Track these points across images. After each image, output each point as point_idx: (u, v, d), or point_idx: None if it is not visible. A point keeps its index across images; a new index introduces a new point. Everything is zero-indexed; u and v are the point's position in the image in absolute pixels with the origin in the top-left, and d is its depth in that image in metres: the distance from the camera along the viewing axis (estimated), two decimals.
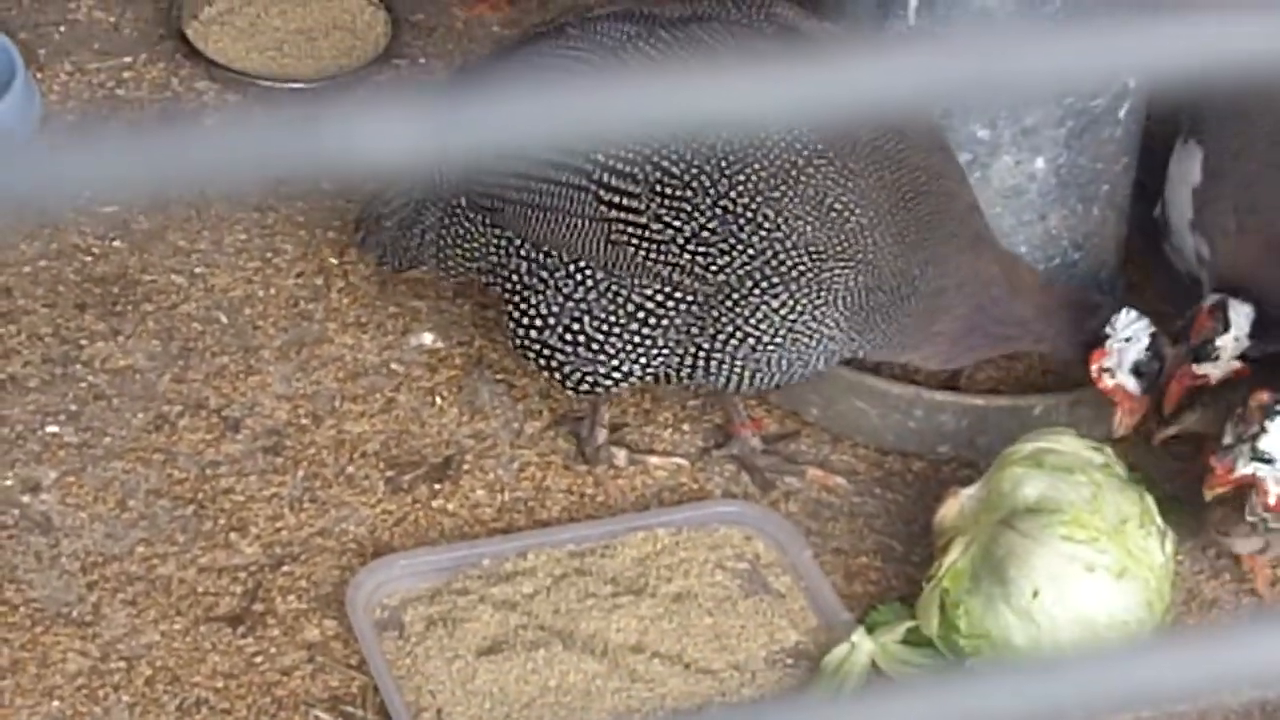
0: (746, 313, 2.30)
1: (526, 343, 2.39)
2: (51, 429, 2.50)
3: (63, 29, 2.98)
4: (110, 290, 2.67)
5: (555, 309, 2.37)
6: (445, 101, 0.87)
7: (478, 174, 2.39)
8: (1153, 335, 2.37)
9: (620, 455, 2.50)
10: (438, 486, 2.48)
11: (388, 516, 2.44)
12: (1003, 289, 2.37)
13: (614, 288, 2.34)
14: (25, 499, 2.42)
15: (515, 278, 2.39)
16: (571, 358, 2.37)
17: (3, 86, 2.85)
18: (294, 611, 2.33)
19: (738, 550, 2.41)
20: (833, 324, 2.32)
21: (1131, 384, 2.37)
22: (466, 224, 2.42)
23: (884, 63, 0.88)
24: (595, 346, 2.36)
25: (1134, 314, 2.36)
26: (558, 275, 2.36)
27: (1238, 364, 2.37)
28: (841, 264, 2.29)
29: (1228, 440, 2.31)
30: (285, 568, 2.37)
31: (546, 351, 2.39)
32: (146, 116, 2.91)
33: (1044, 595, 2.22)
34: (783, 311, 2.30)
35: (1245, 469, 2.28)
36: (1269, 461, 2.28)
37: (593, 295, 2.35)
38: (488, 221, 2.40)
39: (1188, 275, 2.52)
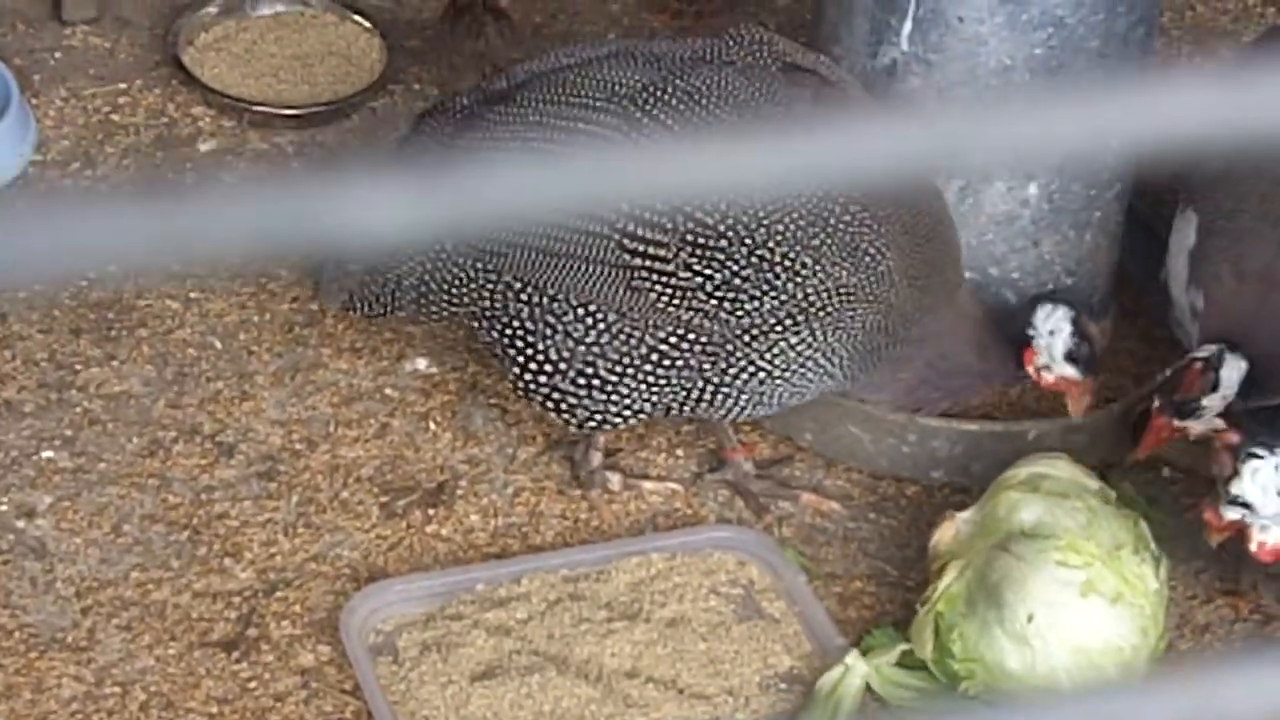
0: (763, 349, 2.32)
1: (534, 387, 2.38)
2: (47, 454, 2.50)
3: (58, 54, 2.99)
4: (105, 316, 2.67)
5: (565, 354, 2.35)
6: (458, 178, 0.88)
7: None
8: (1073, 320, 2.39)
9: (615, 479, 2.51)
10: (432, 512, 2.48)
11: (382, 542, 2.44)
12: (968, 347, 2.41)
13: (626, 330, 2.33)
14: (20, 524, 2.43)
15: (516, 323, 2.36)
16: (584, 400, 2.37)
17: None
18: (288, 637, 2.33)
19: (732, 575, 2.42)
20: (838, 361, 2.34)
21: (1070, 371, 2.40)
22: (454, 269, 2.37)
23: (883, 130, 0.89)
24: (608, 389, 2.36)
25: (1049, 306, 2.39)
26: (566, 320, 2.34)
27: (1219, 422, 2.35)
28: (865, 305, 2.32)
29: (1216, 471, 2.31)
30: (279, 593, 2.37)
31: (556, 395, 2.37)
32: (142, 143, 2.92)
33: (1039, 620, 2.22)
34: (799, 348, 2.32)
35: (1231, 514, 2.27)
36: (1246, 506, 2.26)
37: (605, 339, 2.34)
38: (480, 266, 2.37)
39: (1190, 341, 2.51)
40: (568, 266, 2.33)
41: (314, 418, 2.57)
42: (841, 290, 2.30)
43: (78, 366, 2.61)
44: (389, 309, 2.45)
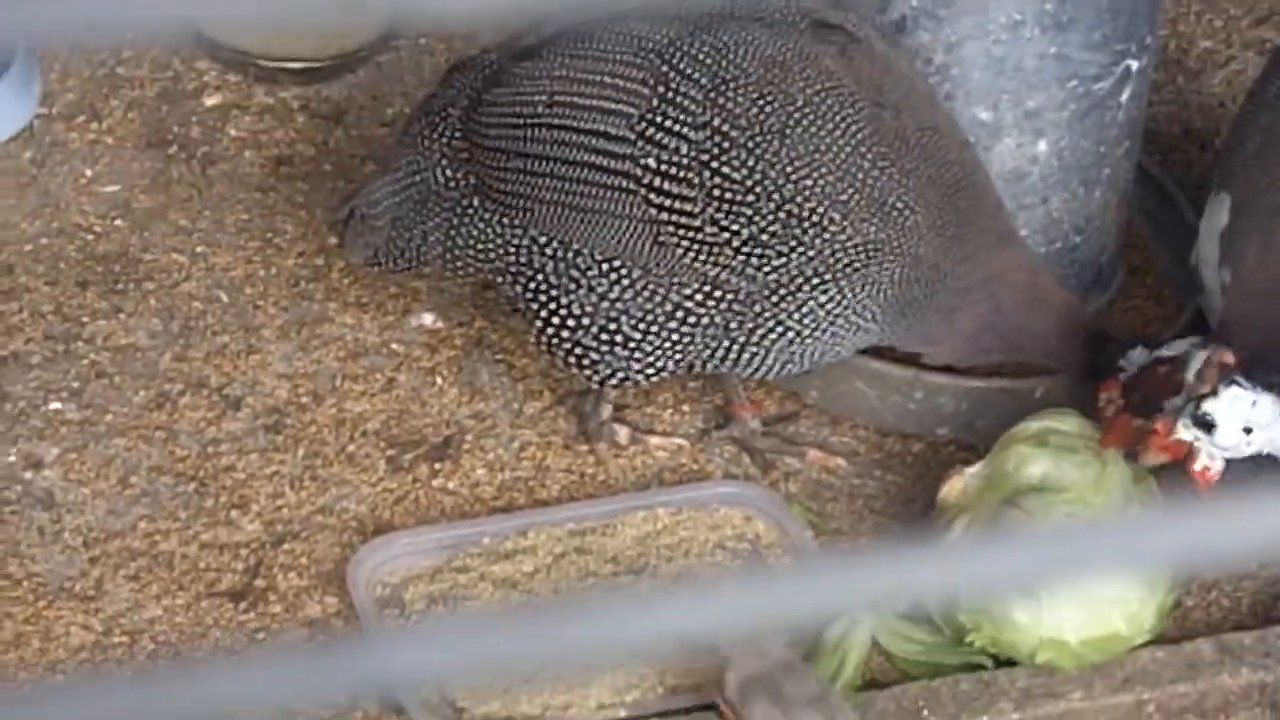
0: (791, 308, 2.31)
1: (557, 342, 2.37)
2: (54, 405, 2.50)
3: None
4: (112, 268, 2.67)
5: (589, 309, 2.35)
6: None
7: (502, 174, 2.36)
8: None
9: (622, 433, 2.51)
10: (438, 465, 2.48)
11: (388, 495, 2.44)
12: (1024, 296, 2.37)
13: (651, 286, 2.33)
14: (28, 475, 2.43)
15: (541, 278, 2.36)
16: (607, 356, 2.37)
17: (2, 66, 2.85)
18: (295, 588, 2.33)
19: (738, 531, 2.42)
20: (870, 316, 2.33)
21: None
22: (482, 224, 2.38)
23: None
24: (632, 345, 2.35)
25: (1146, 351, 2.32)
26: (590, 274, 2.34)
27: (1185, 434, 2.25)
28: (893, 259, 2.30)
29: (1178, 401, 2.26)
30: (286, 545, 2.38)
31: (579, 350, 2.37)
32: (147, 96, 2.92)
33: None
34: (828, 305, 2.31)
35: (1184, 433, 2.23)
36: (1208, 427, 2.22)
37: (629, 294, 2.34)
38: (506, 221, 2.37)
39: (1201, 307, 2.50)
40: (594, 222, 2.32)
41: (320, 371, 2.57)
42: (869, 245, 2.29)
43: (85, 319, 2.61)
44: (414, 264, 2.45)
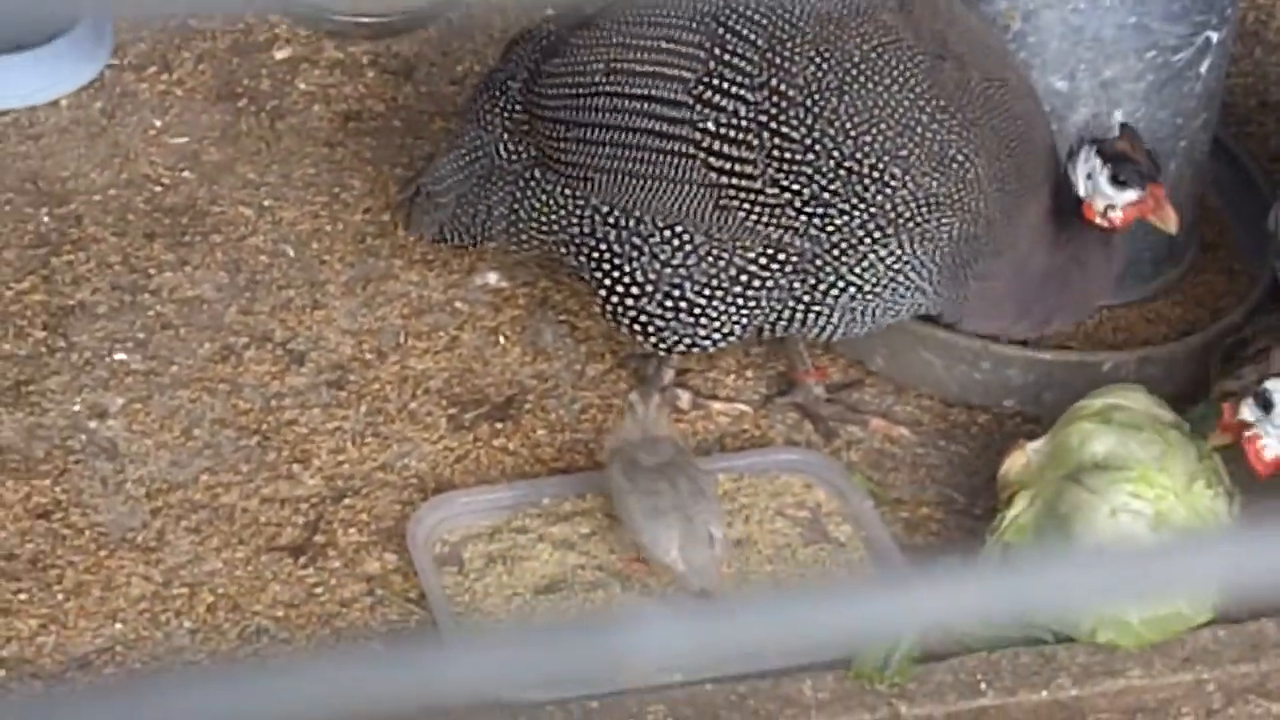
0: (852, 262, 2.29)
1: (621, 310, 2.37)
2: (119, 356, 2.51)
3: None
4: (179, 221, 2.68)
5: (652, 276, 2.34)
6: None
7: (562, 144, 2.35)
8: (1098, 150, 2.29)
9: (684, 397, 2.50)
10: (499, 425, 2.48)
11: (449, 453, 2.44)
12: (1035, 241, 2.32)
13: (714, 251, 2.32)
14: (92, 425, 2.44)
15: (604, 246, 2.36)
16: (672, 323, 2.36)
17: (74, 19, 2.85)
18: (355, 544, 2.34)
19: (798, 498, 2.41)
20: (928, 274, 2.31)
21: (1131, 194, 2.28)
22: (544, 195, 2.38)
23: None
24: (696, 311, 2.35)
25: (1073, 157, 2.29)
26: (652, 241, 2.33)
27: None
28: (954, 215, 2.28)
29: (1244, 380, 2.24)
30: (347, 500, 2.38)
31: (643, 318, 2.37)
32: (218, 49, 2.92)
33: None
34: (889, 260, 2.29)
35: (1246, 413, 2.19)
36: (1266, 408, 2.19)
37: (692, 260, 2.33)
38: (569, 192, 2.37)
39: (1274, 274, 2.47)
40: (655, 188, 2.31)
41: (384, 328, 2.57)
42: (931, 200, 2.27)
43: (151, 271, 2.61)
44: (479, 239, 2.46)
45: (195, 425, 2.45)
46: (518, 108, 2.40)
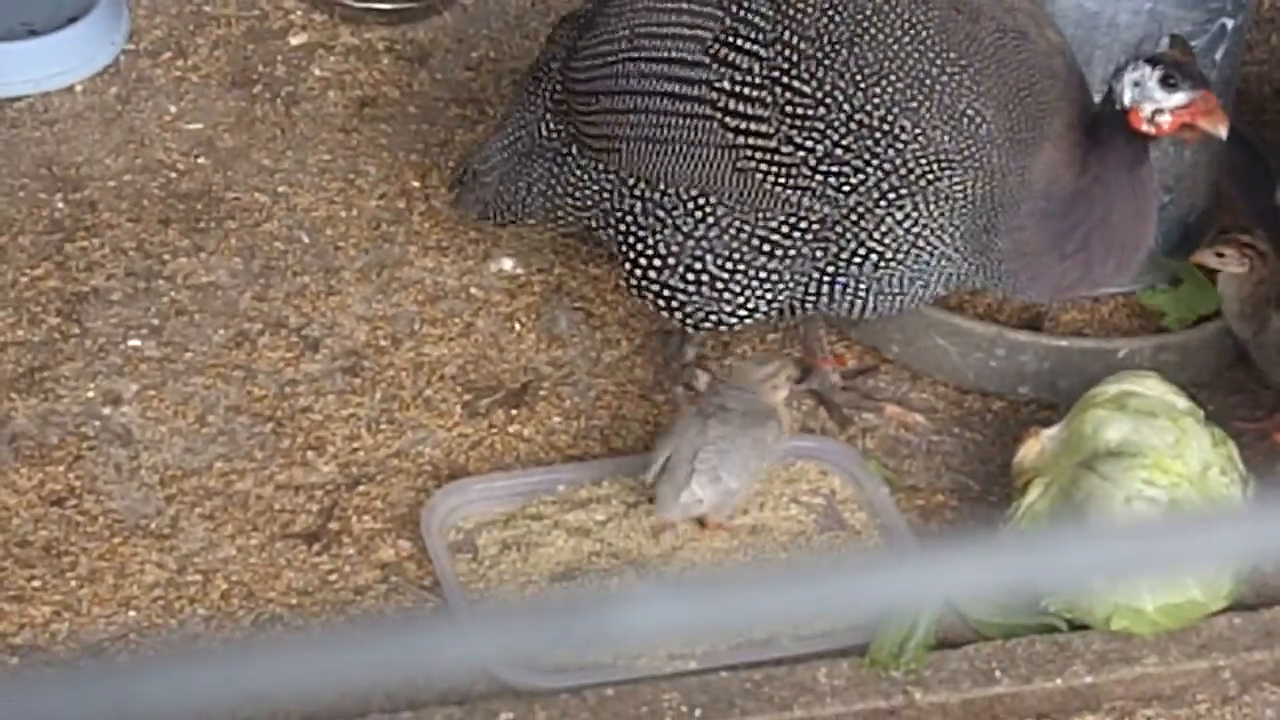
0: (870, 227, 2.27)
1: (644, 284, 2.37)
2: (134, 342, 2.51)
3: None
4: (194, 207, 2.68)
5: (675, 248, 2.34)
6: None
7: (592, 117, 2.36)
8: (1149, 60, 2.23)
9: (702, 379, 2.49)
10: (514, 412, 2.48)
11: (464, 440, 2.44)
12: (1058, 174, 2.25)
13: (736, 222, 2.31)
14: (106, 411, 2.44)
15: (630, 219, 2.36)
16: (695, 297, 2.35)
17: (91, 2, 2.85)
18: (369, 531, 2.34)
19: (814, 485, 2.40)
20: (950, 237, 2.27)
21: (1180, 97, 2.22)
22: (579, 171, 2.39)
23: None
24: (720, 285, 2.34)
25: (1120, 74, 2.23)
26: (676, 214, 2.33)
27: None
28: (966, 170, 2.25)
29: None
30: (361, 487, 2.38)
31: (666, 292, 2.36)
32: (233, 34, 2.91)
33: None
34: (906, 224, 2.27)
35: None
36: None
37: (714, 232, 2.32)
38: (600, 166, 2.38)
39: None
40: (675, 153, 2.32)
41: (399, 315, 2.57)
42: (942, 157, 2.25)
43: (166, 256, 2.62)
44: (519, 217, 2.47)
45: (210, 412, 2.45)
46: (557, 87, 2.42)
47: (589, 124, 2.37)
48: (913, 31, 2.24)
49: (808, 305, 2.34)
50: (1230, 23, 2.48)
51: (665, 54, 2.31)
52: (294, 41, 2.90)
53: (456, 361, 2.53)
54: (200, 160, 2.73)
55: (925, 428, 2.49)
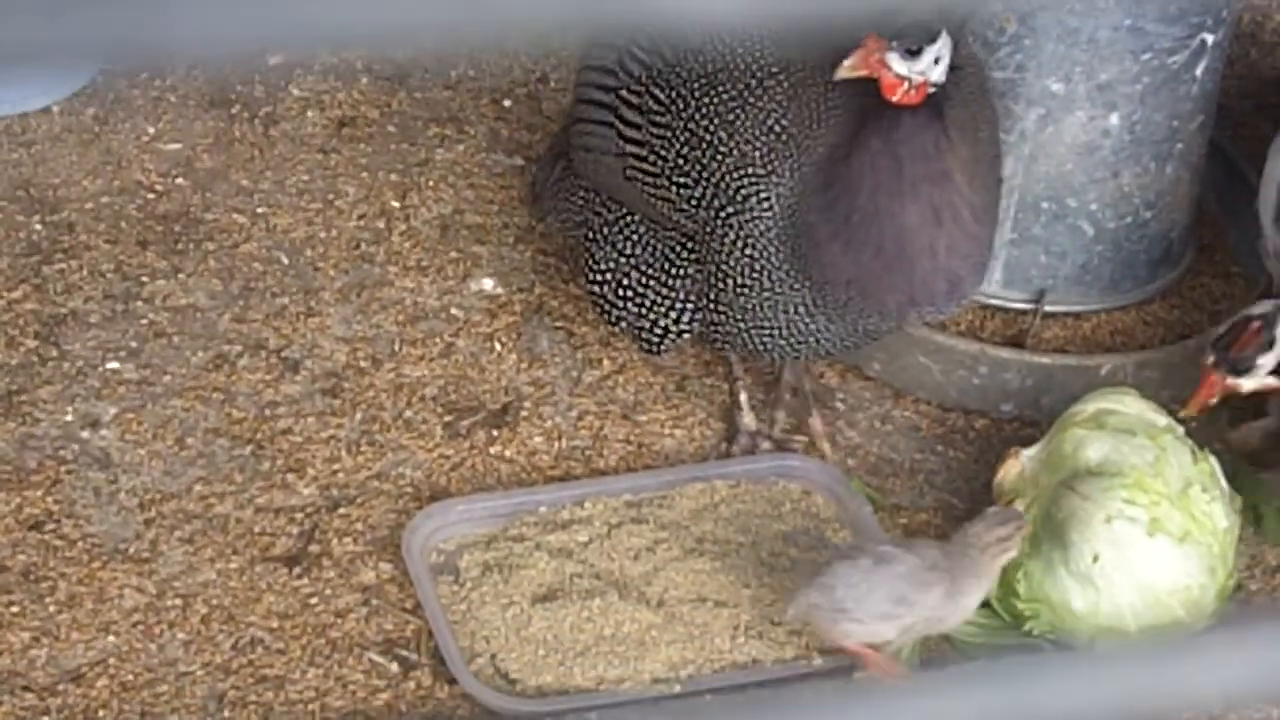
0: (721, 247, 2.25)
1: (592, 297, 2.41)
2: (112, 365, 2.50)
3: None
4: (172, 228, 2.67)
5: (611, 263, 2.36)
6: None
7: (571, 126, 2.42)
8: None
9: (754, 441, 2.46)
10: (495, 433, 2.47)
11: (445, 461, 2.43)
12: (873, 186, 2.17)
13: (646, 236, 2.34)
14: (85, 434, 2.43)
15: (587, 230, 2.40)
16: (623, 313, 2.37)
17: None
18: (350, 554, 2.33)
19: (796, 504, 2.40)
20: (778, 256, 2.21)
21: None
22: (569, 179, 2.44)
23: None
24: (638, 301, 2.36)
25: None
26: (612, 228, 2.37)
27: (1272, 380, 2.28)
28: (771, 183, 2.20)
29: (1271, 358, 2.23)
30: (342, 510, 2.37)
31: (605, 304, 2.40)
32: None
33: (1104, 560, 2.19)
34: (740, 244, 2.23)
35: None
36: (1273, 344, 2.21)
37: (637, 249, 2.36)
38: (573, 177, 2.42)
39: (1271, 276, 2.46)
40: (591, 160, 2.35)
41: (379, 335, 2.56)
42: (750, 167, 2.21)
43: (144, 278, 2.60)
44: (548, 220, 2.52)
45: (189, 434, 2.44)
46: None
47: (570, 133, 2.43)
48: (749, 43, 2.23)
49: (717, 340, 2.32)
50: (1210, 38, 2.48)
51: (597, 62, 2.35)
52: (272, 61, 2.89)
53: (437, 382, 2.52)
54: (178, 181, 2.72)
55: (908, 446, 2.48)
